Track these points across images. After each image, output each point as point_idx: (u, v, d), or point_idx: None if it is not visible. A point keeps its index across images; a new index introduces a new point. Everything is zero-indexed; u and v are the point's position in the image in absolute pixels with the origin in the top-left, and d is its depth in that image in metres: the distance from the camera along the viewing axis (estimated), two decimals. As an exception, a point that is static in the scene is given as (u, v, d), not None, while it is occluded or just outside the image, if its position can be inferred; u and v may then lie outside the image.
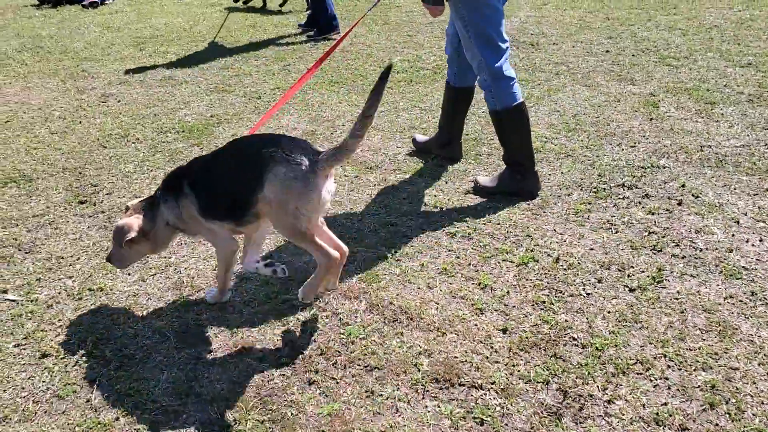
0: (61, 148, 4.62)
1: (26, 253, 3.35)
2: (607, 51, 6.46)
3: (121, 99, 5.68)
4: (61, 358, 2.58)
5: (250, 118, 5.15)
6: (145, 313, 2.83)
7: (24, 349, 2.65)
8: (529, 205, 3.60)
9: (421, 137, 4.37)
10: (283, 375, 2.47)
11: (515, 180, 3.63)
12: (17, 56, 7.24)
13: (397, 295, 2.88)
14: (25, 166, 4.38)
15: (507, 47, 3.43)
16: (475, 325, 2.68)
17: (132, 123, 5.12)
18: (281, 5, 9.43)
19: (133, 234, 2.58)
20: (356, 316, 2.76)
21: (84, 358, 2.58)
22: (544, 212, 3.53)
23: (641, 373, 2.41)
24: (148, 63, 6.75)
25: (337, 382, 2.42)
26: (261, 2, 9.63)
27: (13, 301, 2.94)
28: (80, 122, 5.18)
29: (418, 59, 6.55)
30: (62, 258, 3.28)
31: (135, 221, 2.62)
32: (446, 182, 3.93)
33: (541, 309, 2.77)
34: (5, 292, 3.01)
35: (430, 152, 4.24)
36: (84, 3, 10.00)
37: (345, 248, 2.65)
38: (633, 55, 6.27)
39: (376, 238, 3.32)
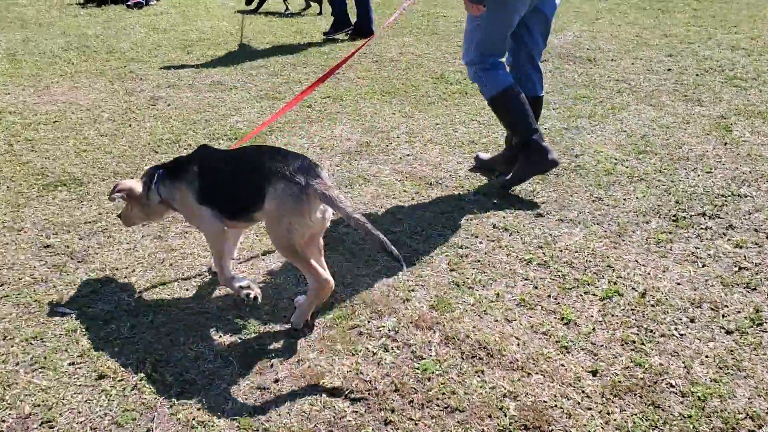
0: (111, 152, 4.50)
1: (79, 262, 3.21)
2: (669, 69, 6.21)
3: (170, 103, 5.56)
4: (119, 381, 2.42)
5: (302, 126, 5.00)
6: (206, 333, 2.67)
7: (79, 368, 2.50)
8: (606, 232, 3.38)
9: (484, 155, 4.18)
10: (356, 412, 2.28)
11: (524, 161, 3.74)
12: (64, 55, 7.19)
13: (474, 327, 2.68)
14: (75, 169, 4.26)
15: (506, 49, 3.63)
16: (562, 365, 2.47)
17: (183, 128, 4.98)
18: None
19: (117, 195, 2.80)
20: (430, 350, 2.56)
21: (143, 381, 2.42)
22: (623, 241, 3.31)
23: (753, 431, 2.18)
24: (196, 67, 6.64)
25: (416, 423, 2.23)
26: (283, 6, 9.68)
27: (68, 314, 2.79)
28: (130, 125, 5.06)
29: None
30: (116, 269, 3.13)
31: (129, 184, 2.83)
32: (513, 202, 3.72)
33: (632, 349, 2.55)
34: (59, 303, 2.86)
35: (495, 170, 4.01)
36: (129, 3, 9.98)
37: (332, 282, 2.58)
38: (697, 75, 6.02)
39: (444, 262, 3.13)
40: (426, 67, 6.52)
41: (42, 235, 3.46)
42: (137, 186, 2.80)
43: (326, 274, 2.55)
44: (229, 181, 2.59)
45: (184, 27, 8.52)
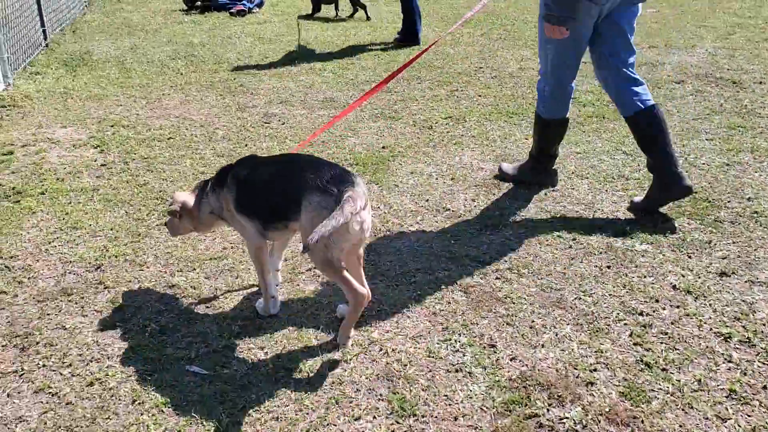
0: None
1: (207, 307, 2.90)
2: (835, 94, 5.49)
3: (284, 121, 5.28)
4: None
5: (426, 151, 4.61)
6: (353, 409, 2.29)
7: (218, 446, 2.16)
8: (816, 303, 2.82)
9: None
10: None
11: (535, 172, 3.95)
12: (172, 64, 7.07)
13: (680, 426, 2.19)
14: (194, 194, 3.99)
15: (578, 67, 3.65)
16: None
17: (300, 150, 4.67)
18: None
19: (175, 207, 2.83)
20: (632, 453, 2.09)
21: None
22: (840, 315, 2.74)
23: None
24: (306, 81, 6.37)
25: None
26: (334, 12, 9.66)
27: (201, 375, 2.47)
28: (246, 144, 4.80)
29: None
30: (248, 320, 2.80)
31: (183, 197, 2.85)
32: (687, 254, 3.20)
33: None
34: (190, 362, 2.54)
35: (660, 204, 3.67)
36: (232, 11, 9.88)
37: (369, 295, 2.58)
38: None
39: (625, 332, 2.66)
40: (551, 86, 6.00)
41: (166, 272, 3.18)
42: (190, 199, 2.84)
43: (362, 287, 2.51)
44: (265, 191, 2.58)
45: (288, 37, 8.30)
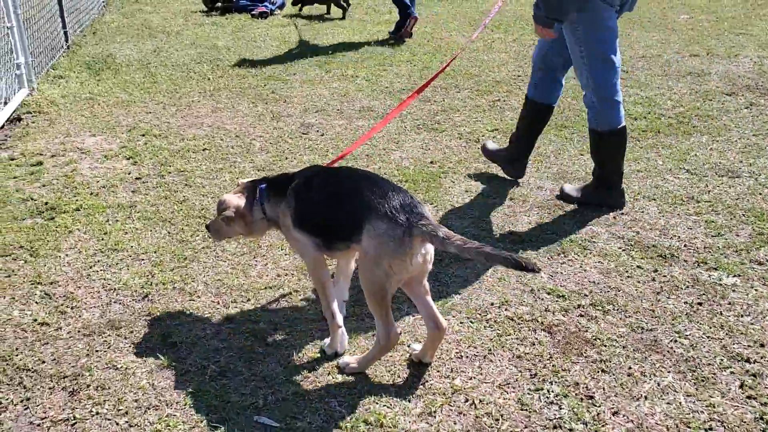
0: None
1: (267, 345, 2.66)
2: None
3: (323, 132, 5.05)
4: None
5: (477, 167, 4.37)
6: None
7: None
8: None
9: (493, 144, 4.22)
10: None
11: (600, 193, 3.74)
12: (197, 68, 6.84)
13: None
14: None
15: (619, 68, 3.47)
16: None
17: (342, 164, 4.43)
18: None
19: (230, 213, 2.64)
20: None
21: None
22: None
23: None
24: (340, 88, 6.13)
25: None
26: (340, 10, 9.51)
27: (270, 428, 2.23)
28: (286, 158, 4.57)
29: (650, 102, 5.57)
30: (315, 361, 2.56)
31: (235, 200, 2.66)
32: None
33: None
34: (258, 411, 2.30)
35: (496, 163, 4.10)
36: (253, 13, 9.65)
37: (445, 325, 2.45)
38: None
39: (733, 382, 2.44)
40: (597, 97, 5.75)
41: (219, 303, 2.95)
42: (242, 202, 2.66)
43: (394, 332, 2.38)
44: (326, 209, 2.44)
45: (315, 41, 8.06)
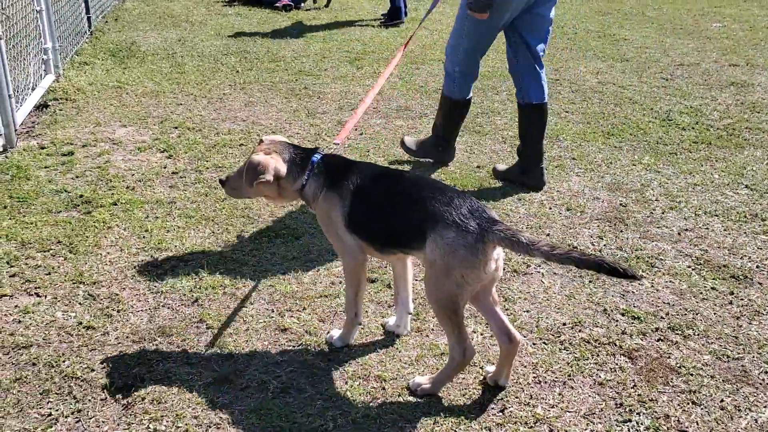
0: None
1: (329, 360, 2.50)
2: None
3: (361, 131, 4.88)
4: None
5: (527, 174, 4.18)
6: None
7: None
8: None
9: (501, 166, 4.13)
10: None
11: (438, 149, 4.21)
12: (225, 59, 6.67)
13: None
14: (283, 214, 3.59)
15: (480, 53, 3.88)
16: None
17: (386, 164, 4.28)
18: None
19: (268, 177, 2.40)
20: None
21: None
22: None
23: None
24: (373, 85, 5.92)
25: None
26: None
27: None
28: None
29: (696, 112, 5.41)
30: (383, 380, 2.39)
31: (272, 163, 2.42)
32: None
33: None
34: (329, 434, 2.14)
35: (512, 181, 4.00)
36: (277, 5, 9.47)
37: (519, 337, 2.31)
38: None
39: None
40: (641, 104, 5.61)
41: (273, 311, 2.78)
42: (282, 167, 2.44)
43: (470, 348, 2.24)
44: (385, 212, 2.30)
45: (343, 36, 7.89)
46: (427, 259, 2.20)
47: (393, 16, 8.54)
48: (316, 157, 2.47)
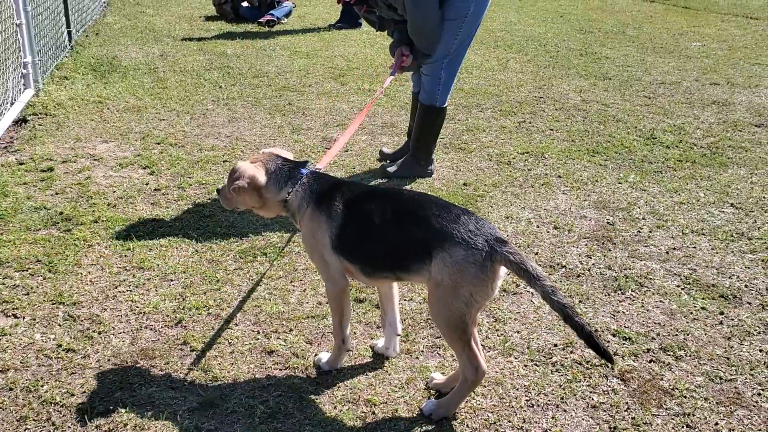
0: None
1: (317, 384, 2.42)
2: None
3: (347, 147, 4.84)
4: None
5: (514, 191, 4.20)
6: None
7: None
8: None
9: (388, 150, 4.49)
10: None
11: (417, 167, 4.30)
12: (208, 75, 6.62)
13: None
14: (268, 231, 3.54)
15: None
16: None
17: (383, 184, 4.24)
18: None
19: (242, 183, 2.35)
20: None
21: None
22: None
23: None
24: (358, 102, 5.94)
25: None
26: None
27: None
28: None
29: (680, 130, 5.45)
30: (372, 404, 2.33)
31: (250, 170, 2.38)
32: None
33: None
34: (319, 461, 2.07)
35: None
36: (261, 21, 9.44)
37: (486, 372, 2.25)
38: None
39: None
40: (624, 122, 5.64)
41: (259, 333, 2.72)
42: (260, 175, 2.38)
43: (483, 363, 2.19)
44: (383, 232, 2.21)
45: (326, 52, 7.87)
46: (432, 279, 2.14)
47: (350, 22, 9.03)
48: (305, 170, 2.41)
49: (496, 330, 2.77)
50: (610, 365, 1.95)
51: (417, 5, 3.71)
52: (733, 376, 2.55)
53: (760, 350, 2.71)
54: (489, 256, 2.06)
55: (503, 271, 2.14)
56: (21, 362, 2.47)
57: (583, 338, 2.01)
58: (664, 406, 2.38)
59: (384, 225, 2.23)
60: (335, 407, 2.33)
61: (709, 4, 11.97)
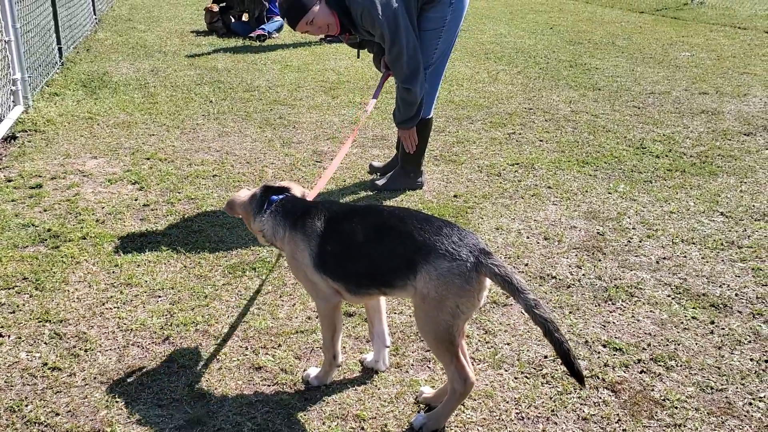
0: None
1: (305, 399, 2.40)
2: None
3: (338, 160, 4.81)
4: None
5: (504, 203, 4.19)
6: None
7: None
8: None
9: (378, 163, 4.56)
10: None
11: (408, 180, 4.33)
12: (198, 90, 6.62)
13: None
14: (257, 246, 3.52)
15: None
16: None
17: (360, 196, 4.24)
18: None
19: (227, 210, 2.55)
20: None
21: None
22: None
23: None
24: (349, 116, 5.94)
25: None
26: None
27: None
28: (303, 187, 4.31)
29: (669, 140, 5.46)
30: (362, 420, 2.31)
31: (239, 200, 2.51)
32: None
33: None
34: (307, 479, 2.05)
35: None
36: (251, 35, 9.47)
37: (474, 382, 2.23)
38: None
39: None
40: (614, 132, 5.65)
41: (247, 349, 2.69)
42: (246, 201, 2.48)
43: (472, 374, 2.17)
44: (365, 249, 2.20)
45: (317, 66, 7.89)
46: (417, 293, 2.13)
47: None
48: (275, 197, 2.42)
49: (486, 342, 2.75)
50: (582, 385, 2.01)
51: (395, 43, 3.76)
52: (724, 386, 2.54)
53: (751, 359, 2.70)
54: (474, 267, 2.06)
55: (489, 282, 2.12)
56: (5, 381, 2.44)
57: (559, 355, 2.01)
58: (655, 417, 2.37)
59: (365, 242, 2.22)
60: (324, 423, 2.31)
61: (697, 15, 12.06)
